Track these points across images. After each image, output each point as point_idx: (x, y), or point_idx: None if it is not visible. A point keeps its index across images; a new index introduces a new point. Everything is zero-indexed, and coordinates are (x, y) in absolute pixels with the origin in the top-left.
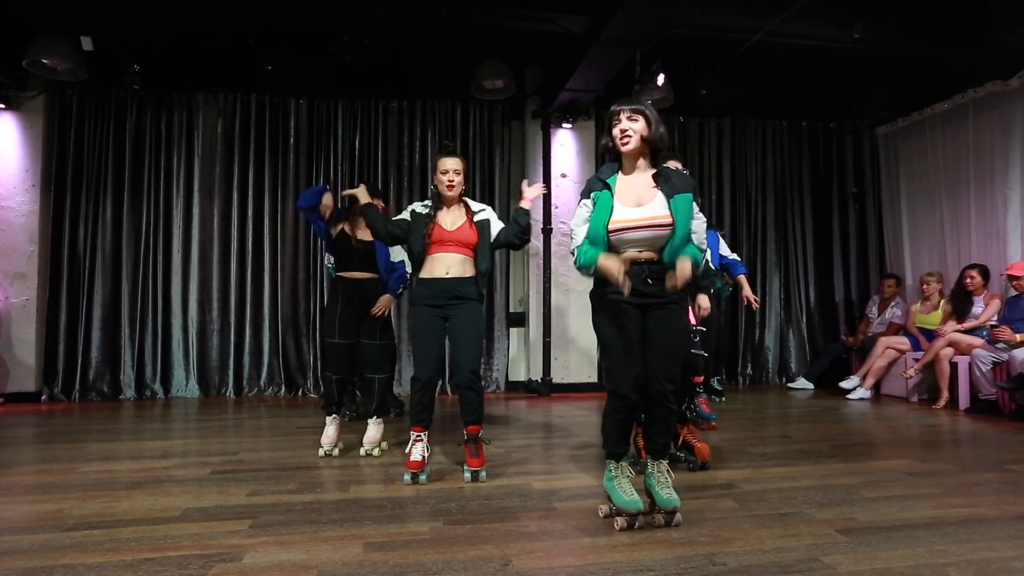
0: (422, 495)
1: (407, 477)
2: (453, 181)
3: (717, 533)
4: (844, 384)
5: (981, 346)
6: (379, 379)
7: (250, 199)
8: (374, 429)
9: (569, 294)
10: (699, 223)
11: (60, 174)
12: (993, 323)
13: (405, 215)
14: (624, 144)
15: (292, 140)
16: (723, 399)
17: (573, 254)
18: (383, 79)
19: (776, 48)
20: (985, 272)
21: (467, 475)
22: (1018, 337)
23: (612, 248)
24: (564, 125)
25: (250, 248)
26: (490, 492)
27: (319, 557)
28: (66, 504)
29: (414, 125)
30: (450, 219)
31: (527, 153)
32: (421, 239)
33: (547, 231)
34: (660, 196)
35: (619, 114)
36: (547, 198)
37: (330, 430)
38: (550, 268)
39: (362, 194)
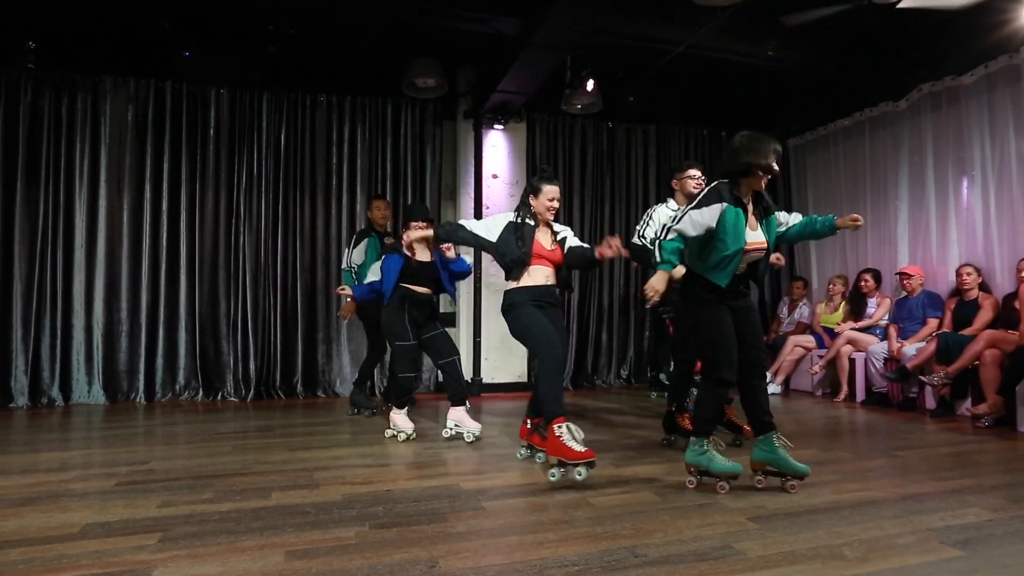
0: (349, 499)
1: (581, 471)
2: (555, 208)
3: (639, 526)
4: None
5: (875, 343)
6: (457, 359)
7: (164, 193)
8: (462, 412)
9: (500, 294)
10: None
11: None
12: (884, 321)
13: (493, 222)
14: (761, 184)
15: (212, 131)
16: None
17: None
18: (311, 72)
19: (699, 59)
20: (878, 276)
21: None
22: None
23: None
24: (496, 126)
25: (164, 245)
26: (418, 494)
27: (236, 568)
28: None
29: (343, 121)
30: (546, 239)
31: (459, 153)
32: (525, 251)
33: None
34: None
35: (768, 153)
36: (478, 198)
37: (406, 418)
38: (480, 268)
39: (427, 232)
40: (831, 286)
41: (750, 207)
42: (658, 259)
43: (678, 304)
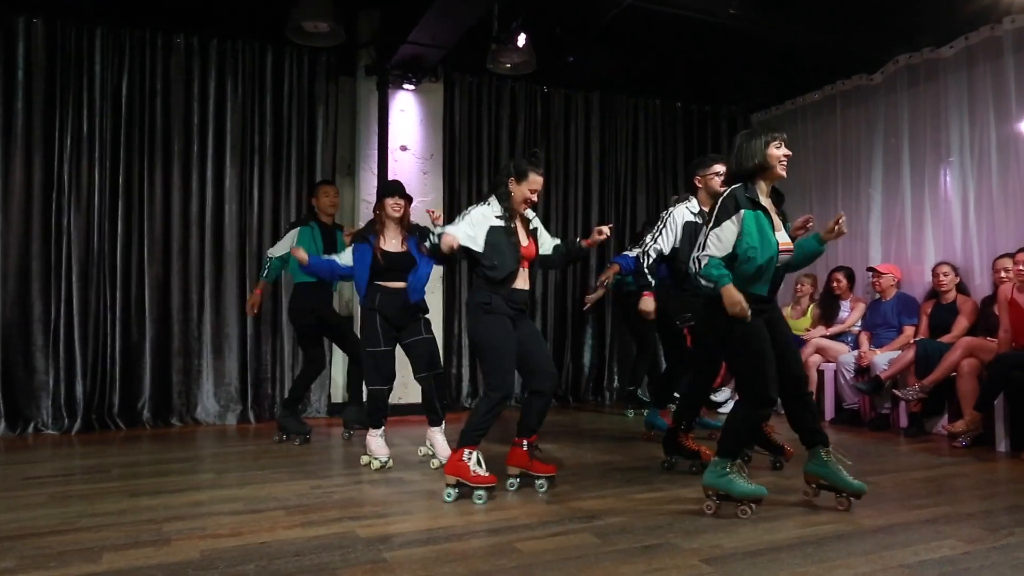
0: (209, 557)
1: (543, 484)
2: (534, 201)
3: (574, 574)
4: (715, 397)
5: (846, 352)
6: (433, 376)
7: None
8: (436, 434)
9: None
10: None
11: None
12: (857, 327)
13: (472, 228)
14: (783, 171)
15: (21, 75)
16: (643, 412)
17: (698, 262)
18: (163, 5)
19: (651, 15)
20: (851, 275)
21: (540, 483)
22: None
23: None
24: (406, 86)
25: None
26: (301, 545)
27: None
28: None
29: (207, 70)
30: (523, 235)
31: (359, 117)
32: (516, 259)
33: None
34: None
35: (779, 139)
36: (382, 174)
37: (381, 442)
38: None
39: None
40: (798, 287)
41: (771, 207)
42: (708, 281)
43: (701, 314)
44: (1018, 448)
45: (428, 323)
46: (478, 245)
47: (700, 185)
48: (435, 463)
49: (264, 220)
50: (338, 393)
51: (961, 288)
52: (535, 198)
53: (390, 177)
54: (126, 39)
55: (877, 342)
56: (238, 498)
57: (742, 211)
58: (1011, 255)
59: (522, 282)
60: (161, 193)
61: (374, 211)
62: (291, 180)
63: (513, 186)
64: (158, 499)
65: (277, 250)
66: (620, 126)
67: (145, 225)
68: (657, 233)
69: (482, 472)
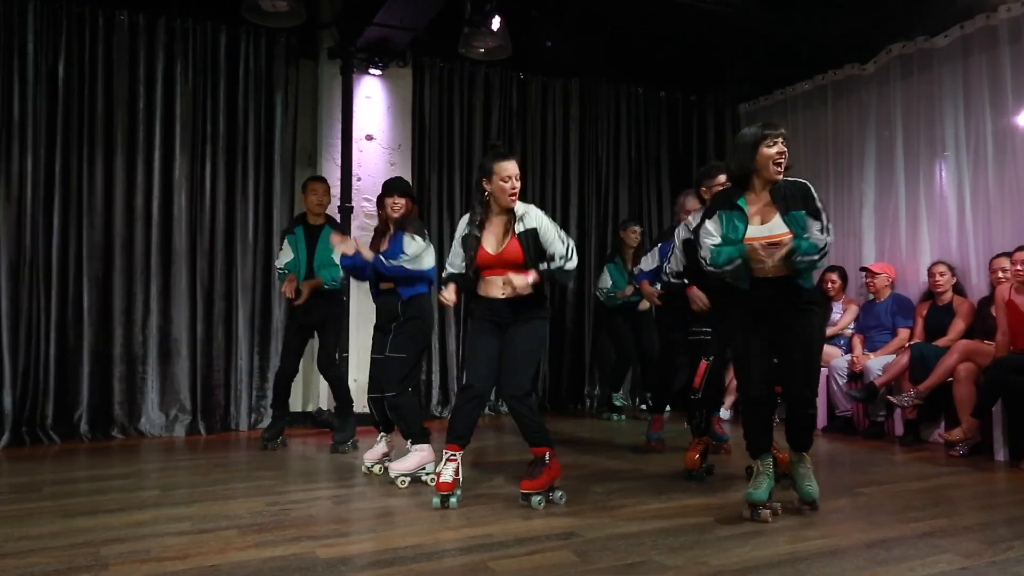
0: None
1: (436, 501)
2: (516, 188)
3: None
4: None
5: (839, 356)
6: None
7: None
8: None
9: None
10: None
11: None
12: (850, 330)
13: (458, 245)
14: (776, 172)
15: None
16: (621, 417)
17: (705, 261)
18: None
19: None
20: (844, 275)
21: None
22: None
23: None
24: (372, 71)
25: None
26: (256, 568)
27: None
28: None
29: (155, 51)
30: (494, 236)
31: (321, 104)
32: (471, 267)
33: (346, 210)
34: (777, 214)
35: (772, 137)
36: (346, 166)
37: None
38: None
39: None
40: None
41: (759, 203)
42: (726, 266)
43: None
44: (1017, 457)
45: (406, 333)
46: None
47: (707, 196)
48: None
49: (217, 214)
50: (300, 401)
51: (958, 289)
52: (514, 184)
53: (354, 169)
54: (63, 15)
55: (871, 345)
56: (186, 517)
57: (715, 214)
58: (1008, 254)
59: (496, 290)
60: (102, 185)
61: (377, 211)
62: (247, 171)
63: (487, 185)
64: (95, 519)
65: (279, 261)
66: (601, 115)
67: (84, 219)
68: (671, 254)
69: (446, 476)
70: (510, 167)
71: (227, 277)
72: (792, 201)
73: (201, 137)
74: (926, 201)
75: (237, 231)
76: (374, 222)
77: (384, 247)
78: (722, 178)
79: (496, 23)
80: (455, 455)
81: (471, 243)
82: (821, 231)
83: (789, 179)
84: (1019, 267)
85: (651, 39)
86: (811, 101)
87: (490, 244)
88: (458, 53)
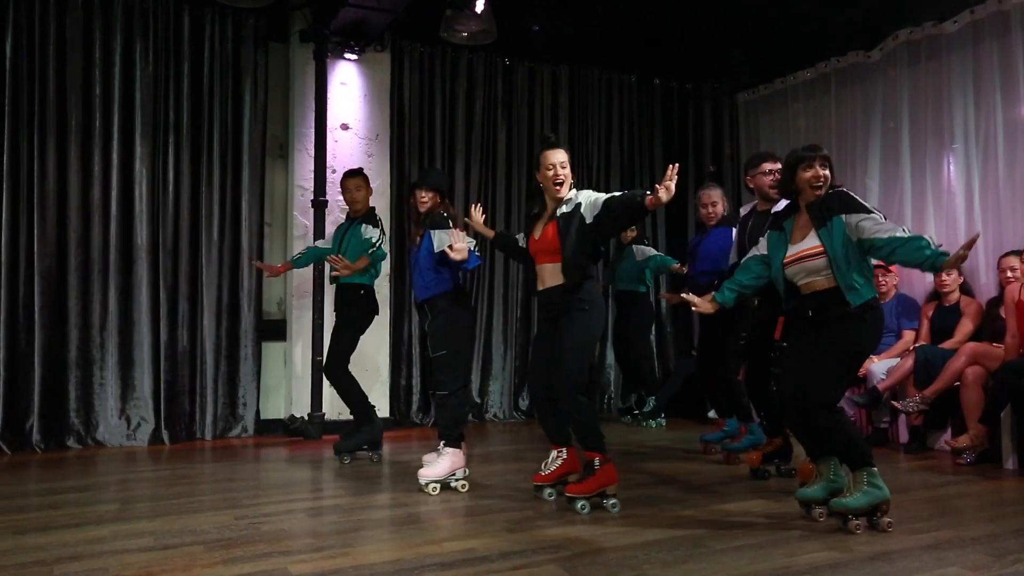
0: None
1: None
2: (561, 177)
3: None
4: (712, 415)
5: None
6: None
7: None
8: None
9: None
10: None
11: None
12: None
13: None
14: (814, 193)
15: None
16: (661, 422)
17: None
18: None
19: None
20: None
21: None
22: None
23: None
24: (347, 55)
25: None
26: None
27: None
28: None
29: (112, 31)
30: (542, 225)
31: (292, 90)
32: (527, 259)
33: (320, 204)
34: (813, 230)
35: (809, 161)
36: (320, 157)
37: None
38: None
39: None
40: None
41: (801, 221)
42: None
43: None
44: None
45: (437, 332)
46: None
47: (752, 186)
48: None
49: (181, 208)
50: (272, 408)
51: (965, 288)
52: (557, 172)
53: (329, 161)
54: None
55: None
56: (147, 532)
57: (766, 235)
58: (1018, 253)
59: (540, 282)
60: (55, 176)
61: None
62: (213, 162)
63: (539, 177)
64: (49, 536)
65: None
66: (591, 105)
67: (35, 213)
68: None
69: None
70: (552, 155)
71: (192, 276)
72: (828, 212)
73: (163, 125)
74: (933, 196)
75: (203, 226)
76: None
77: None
78: (767, 165)
79: (480, 5)
80: (557, 451)
81: (525, 235)
82: (882, 220)
83: (829, 192)
84: None
85: (645, 24)
86: (813, 90)
87: (537, 232)
88: (440, 37)
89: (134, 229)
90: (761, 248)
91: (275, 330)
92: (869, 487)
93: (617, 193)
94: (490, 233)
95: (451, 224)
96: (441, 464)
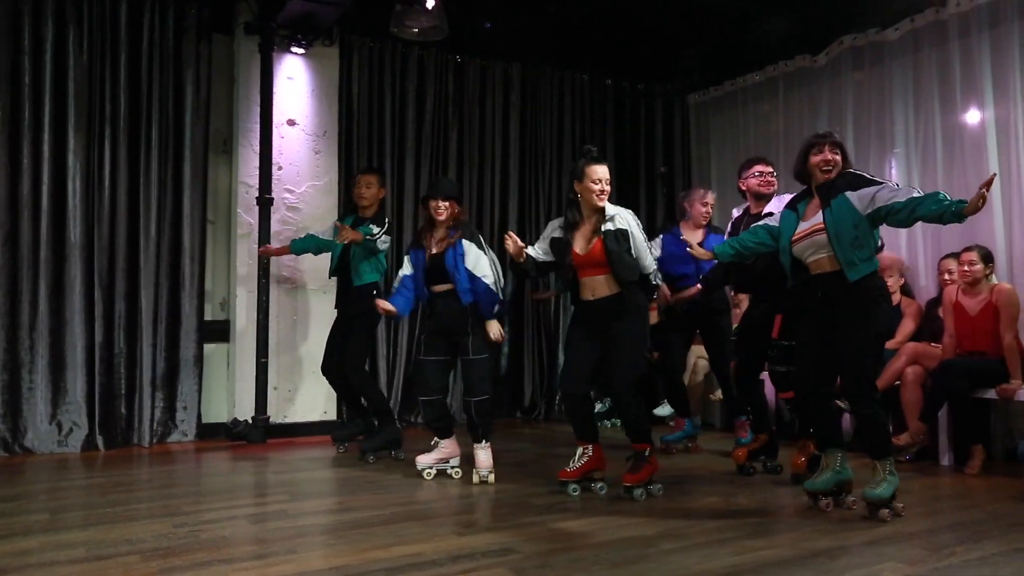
0: None
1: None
2: (606, 192)
3: None
4: (657, 411)
5: None
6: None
7: None
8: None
9: (299, 294)
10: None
11: None
12: None
13: (542, 243)
14: (823, 176)
15: None
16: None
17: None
18: None
19: None
20: None
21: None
22: None
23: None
24: (294, 49)
25: None
26: None
27: None
28: None
29: (42, 20)
30: (583, 237)
31: (237, 84)
32: (570, 268)
33: (266, 201)
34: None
35: (819, 145)
36: (265, 154)
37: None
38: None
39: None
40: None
41: (813, 203)
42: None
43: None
44: (961, 462)
45: (470, 330)
46: (552, 257)
47: (743, 188)
48: (475, 477)
49: (118, 203)
50: (214, 412)
51: (906, 290)
52: (603, 187)
53: (275, 157)
54: None
55: None
56: (80, 543)
57: (781, 212)
58: (956, 255)
59: (588, 292)
60: None
61: (423, 211)
62: (151, 156)
63: (578, 187)
64: None
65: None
66: (543, 103)
67: None
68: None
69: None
70: (601, 171)
71: (129, 274)
72: (834, 191)
73: (99, 117)
74: None
75: (141, 223)
76: (296, 216)
77: (439, 249)
78: (758, 168)
79: (431, 1)
80: (583, 448)
81: (563, 247)
82: (895, 187)
83: (844, 176)
84: (966, 268)
85: (598, 22)
86: (762, 93)
87: (579, 245)
88: (389, 32)
89: (67, 225)
90: (774, 221)
91: (218, 331)
92: (891, 475)
93: (649, 263)
94: (522, 258)
95: (480, 241)
96: (434, 453)
